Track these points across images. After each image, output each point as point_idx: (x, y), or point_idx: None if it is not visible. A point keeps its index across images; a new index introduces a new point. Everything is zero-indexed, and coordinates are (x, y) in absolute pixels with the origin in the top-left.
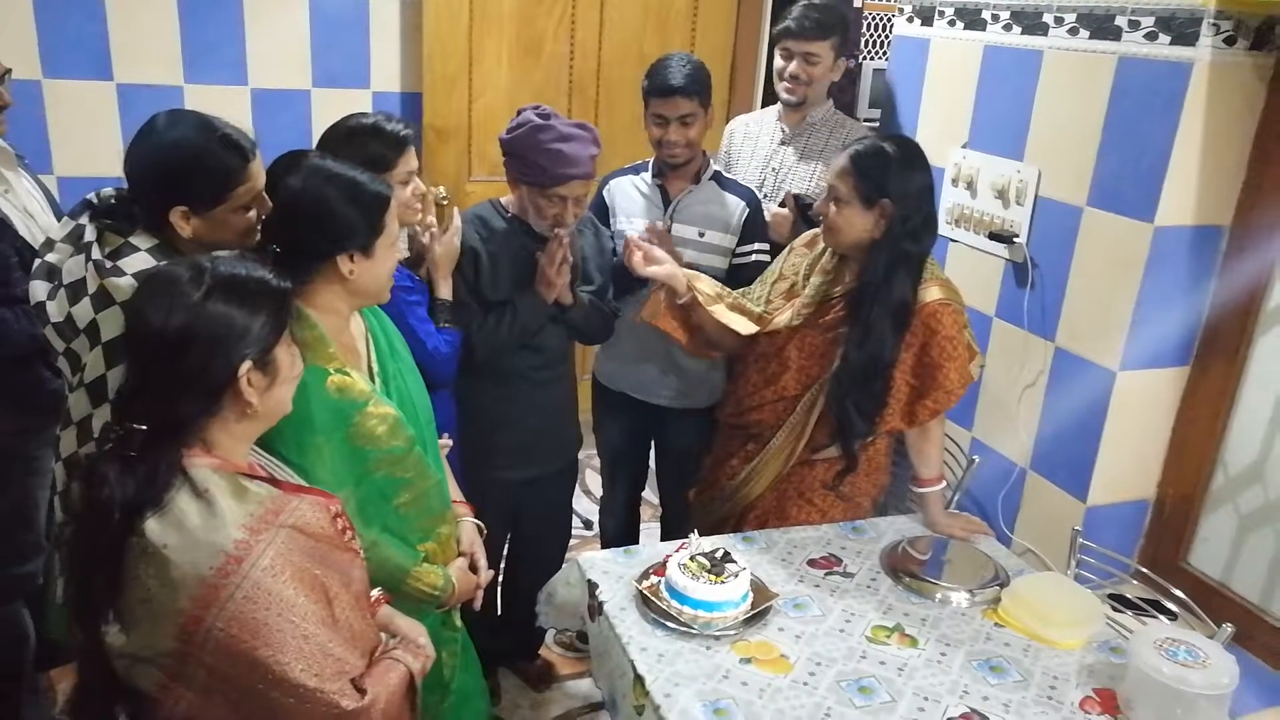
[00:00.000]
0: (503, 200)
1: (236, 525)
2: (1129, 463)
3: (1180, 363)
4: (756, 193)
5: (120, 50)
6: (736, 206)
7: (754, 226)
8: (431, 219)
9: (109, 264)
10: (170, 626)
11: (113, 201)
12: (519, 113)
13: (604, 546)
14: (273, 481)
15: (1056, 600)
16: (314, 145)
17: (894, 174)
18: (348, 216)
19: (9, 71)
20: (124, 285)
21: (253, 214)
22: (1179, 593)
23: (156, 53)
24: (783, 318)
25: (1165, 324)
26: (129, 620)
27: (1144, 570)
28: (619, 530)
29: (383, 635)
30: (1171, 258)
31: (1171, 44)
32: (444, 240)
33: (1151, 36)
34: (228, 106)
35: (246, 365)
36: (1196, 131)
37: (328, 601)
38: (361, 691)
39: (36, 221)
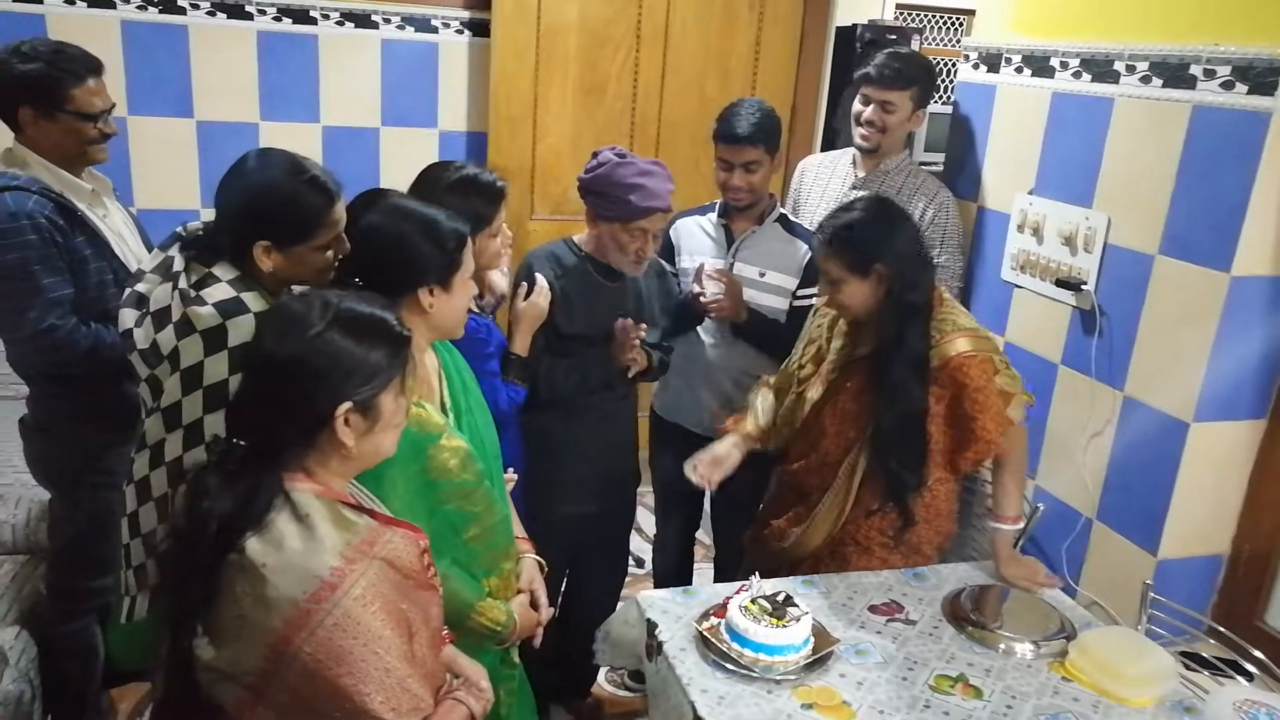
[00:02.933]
0: (576, 238)
1: (334, 552)
2: (1202, 516)
3: (1257, 415)
4: None
5: (201, 89)
6: (799, 249)
7: (816, 270)
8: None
9: (193, 293)
10: (260, 645)
11: (200, 233)
12: (595, 154)
13: (656, 584)
14: (368, 513)
15: (1127, 656)
16: (381, 181)
17: (873, 238)
18: (427, 252)
19: (113, 105)
20: (205, 314)
21: (331, 253)
22: (1258, 653)
23: (235, 92)
24: (813, 392)
25: (1241, 375)
26: (220, 634)
27: (1218, 628)
28: (670, 568)
29: (446, 674)
30: (1248, 308)
31: (1249, 93)
32: (532, 299)
33: (1228, 85)
34: (300, 143)
35: (346, 406)
36: (1275, 180)
37: (409, 636)
38: None
39: (129, 246)
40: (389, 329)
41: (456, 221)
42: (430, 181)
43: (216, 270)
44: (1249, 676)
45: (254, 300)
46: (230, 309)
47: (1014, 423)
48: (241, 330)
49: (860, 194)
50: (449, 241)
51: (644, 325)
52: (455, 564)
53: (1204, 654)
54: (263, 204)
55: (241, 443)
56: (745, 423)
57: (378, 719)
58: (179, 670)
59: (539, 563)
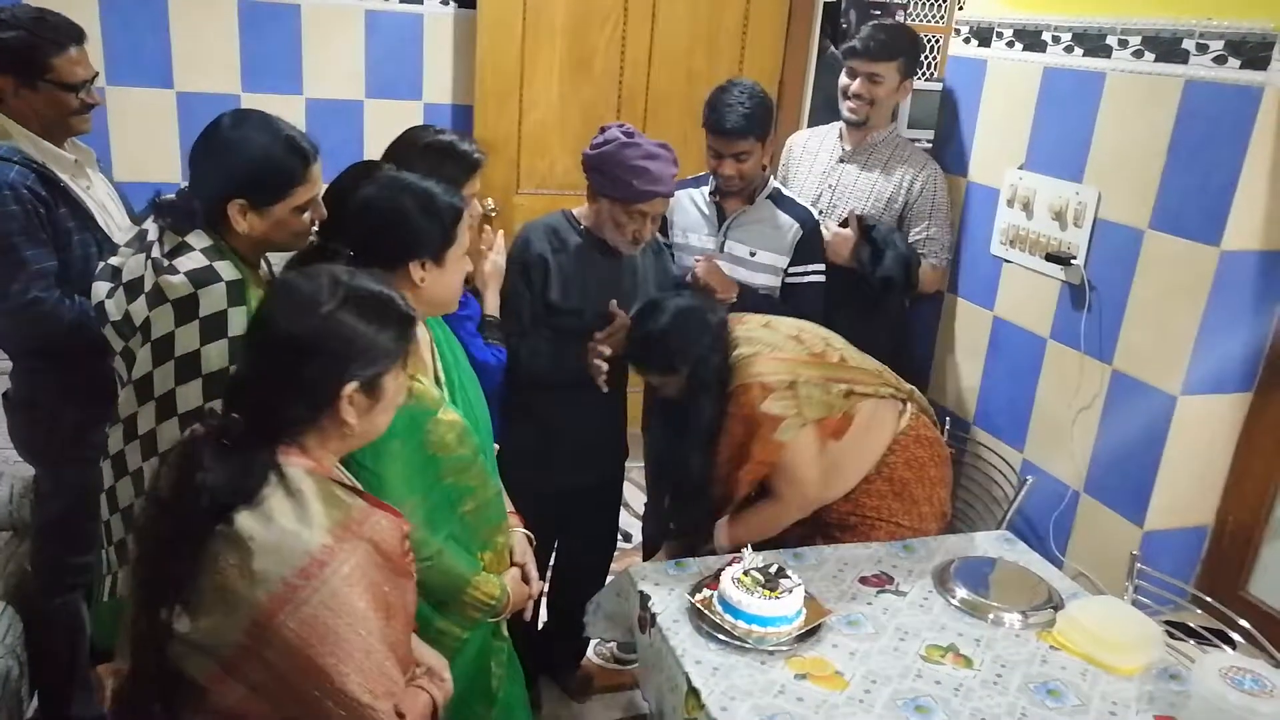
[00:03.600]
0: (575, 212)
1: (324, 530)
2: (1188, 488)
3: (1243, 388)
4: (814, 213)
5: (181, 60)
6: (790, 227)
7: (808, 247)
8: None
9: (165, 262)
10: (243, 619)
11: (174, 199)
12: (603, 130)
13: (646, 556)
14: (357, 493)
15: (1115, 625)
16: (365, 153)
17: (667, 352)
18: (421, 225)
19: (96, 74)
20: (176, 283)
21: (308, 216)
22: (1244, 623)
23: (216, 63)
24: None
25: (1229, 349)
26: (200, 607)
27: (1203, 597)
28: (659, 538)
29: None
30: (1237, 282)
31: (1241, 68)
32: (491, 258)
33: (1220, 60)
34: (283, 115)
35: (353, 386)
36: (1266, 155)
37: (388, 619)
38: (400, 716)
39: (113, 219)
40: (397, 309)
41: (453, 196)
42: (407, 142)
43: (190, 239)
44: (1233, 645)
45: (227, 269)
46: (202, 278)
47: (783, 445)
48: (213, 299)
49: (669, 298)
50: (444, 216)
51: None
52: (451, 538)
53: (1189, 624)
54: (238, 160)
55: (238, 417)
56: None
57: (354, 700)
58: (151, 644)
59: (528, 536)
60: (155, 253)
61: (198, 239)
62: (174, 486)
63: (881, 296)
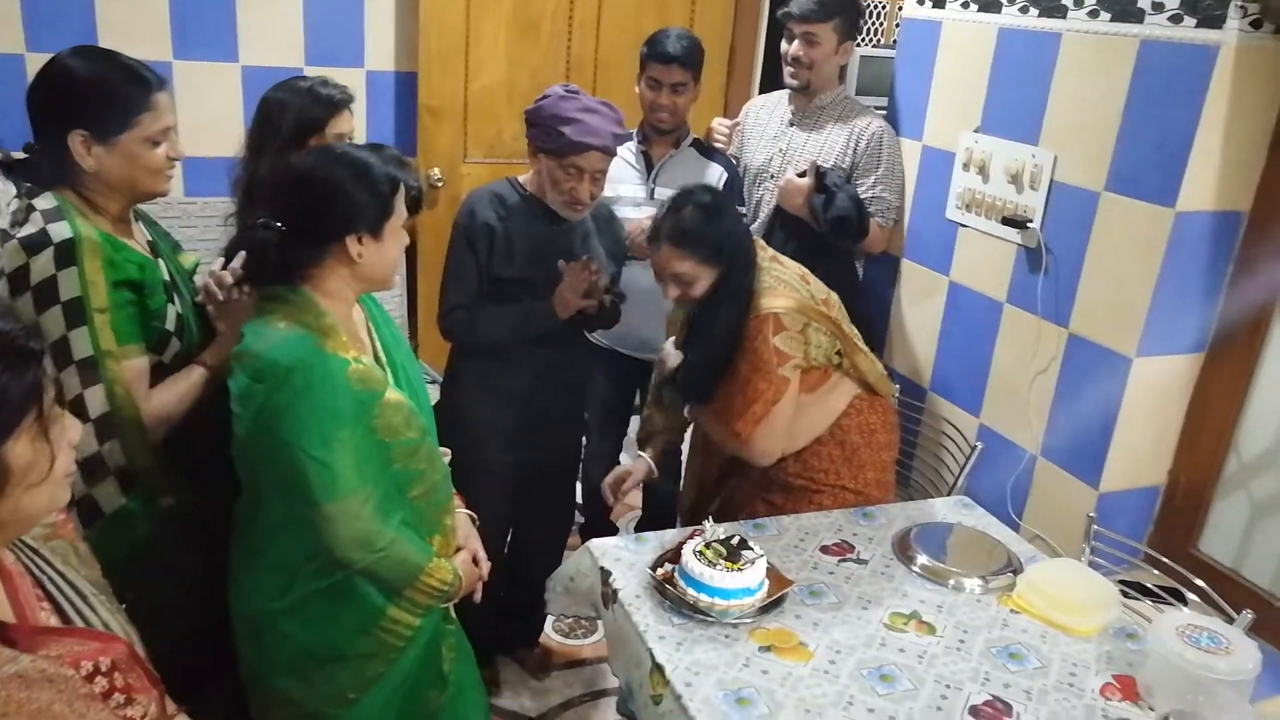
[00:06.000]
0: (520, 178)
1: None
2: (1142, 449)
3: (1196, 349)
4: (734, 162)
5: (107, 24)
6: (715, 172)
7: (731, 191)
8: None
9: (13, 232)
10: None
11: (22, 156)
12: (546, 91)
13: (585, 499)
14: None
15: (1073, 587)
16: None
17: (715, 229)
18: (357, 197)
19: None
20: (10, 250)
21: (162, 150)
22: (1199, 581)
23: (144, 27)
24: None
25: (1183, 310)
26: None
27: (1157, 556)
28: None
29: None
30: (1191, 243)
31: (1197, 27)
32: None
33: (1176, 19)
34: (218, 84)
35: None
36: (1220, 116)
37: None
38: None
39: None
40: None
41: (390, 167)
42: (277, 88)
43: (37, 201)
44: (1184, 602)
45: (60, 230)
46: (33, 242)
47: (787, 380)
48: (41, 264)
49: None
50: (381, 186)
51: (597, 268)
52: (404, 524)
53: (1145, 582)
54: (74, 88)
55: None
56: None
57: None
58: None
59: (471, 517)
60: (2, 223)
61: (44, 201)
62: None
63: (834, 240)
